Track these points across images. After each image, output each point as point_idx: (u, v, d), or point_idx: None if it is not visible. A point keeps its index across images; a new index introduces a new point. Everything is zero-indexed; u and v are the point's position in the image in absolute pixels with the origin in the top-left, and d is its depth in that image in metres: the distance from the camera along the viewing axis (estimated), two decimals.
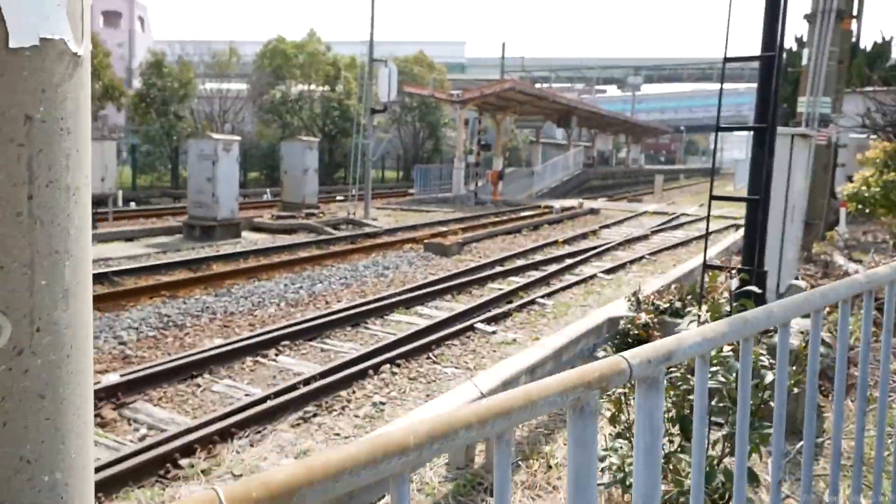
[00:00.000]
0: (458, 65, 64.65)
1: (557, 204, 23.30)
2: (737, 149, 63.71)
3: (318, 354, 6.86)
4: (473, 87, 27.89)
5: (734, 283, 2.45)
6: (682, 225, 18.89)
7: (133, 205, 19.36)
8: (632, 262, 12.69)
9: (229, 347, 6.55)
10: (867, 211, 8.11)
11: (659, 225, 18.52)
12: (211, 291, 9.24)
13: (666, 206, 25.08)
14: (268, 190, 24.05)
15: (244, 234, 14.28)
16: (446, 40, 66.13)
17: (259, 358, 6.57)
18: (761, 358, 2.44)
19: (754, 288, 2.33)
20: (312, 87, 30.71)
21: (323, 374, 5.94)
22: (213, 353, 6.38)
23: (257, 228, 15.24)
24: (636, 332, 4.73)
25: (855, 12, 8.99)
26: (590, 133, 44.80)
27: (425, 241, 13.97)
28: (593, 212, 22.07)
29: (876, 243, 10.21)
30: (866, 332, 1.92)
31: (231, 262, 11.26)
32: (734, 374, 2.35)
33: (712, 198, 3.66)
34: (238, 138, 14.03)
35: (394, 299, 8.99)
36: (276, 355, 6.70)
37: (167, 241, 13.48)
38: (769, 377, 2.40)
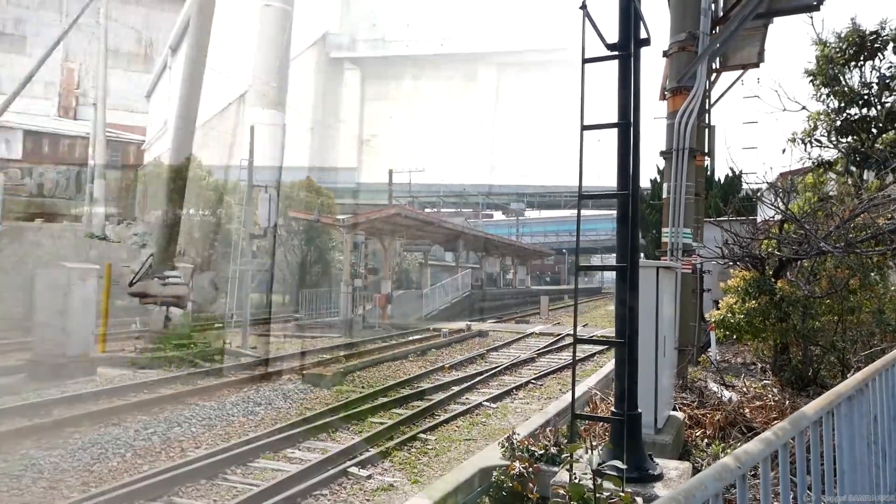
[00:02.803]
0: (349, 189, 65.70)
1: (446, 327, 23.12)
2: None
3: None
4: (362, 212, 28.12)
5: (595, 458, 2.14)
6: (567, 346, 19.10)
7: None
8: (518, 387, 12.49)
9: None
10: (734, 336, 8.42)
11: (545, 347, 18.63)
12: (43, 444, 7.96)
13: (552, 327, 25.55)
14: (137, 319, 22.27)
15: (101, 370, 12.82)
16: (339, 166, 67.43)
17: None
18: None
19: (618, 463, 2.02)
20: (191, 211, 29.69)
21: None
22: None
23: (118, 363, 13.76)
24: (510, 483, 4.30)
25: (706, 149, 9.78)
26: (477, 255, 46.05)
27: (305, 371, 13.15)
28: (481, 334, 22.01)
29: (745, 365, 10.59)
30: None
31: (77, 406, 9.92)
32: None
33: (577, 341, 3.45)
34: (97, 266, 12.88)
35: (261, 442, 8.18)
36: None
37: (5, 381, 11.81)
38: None
